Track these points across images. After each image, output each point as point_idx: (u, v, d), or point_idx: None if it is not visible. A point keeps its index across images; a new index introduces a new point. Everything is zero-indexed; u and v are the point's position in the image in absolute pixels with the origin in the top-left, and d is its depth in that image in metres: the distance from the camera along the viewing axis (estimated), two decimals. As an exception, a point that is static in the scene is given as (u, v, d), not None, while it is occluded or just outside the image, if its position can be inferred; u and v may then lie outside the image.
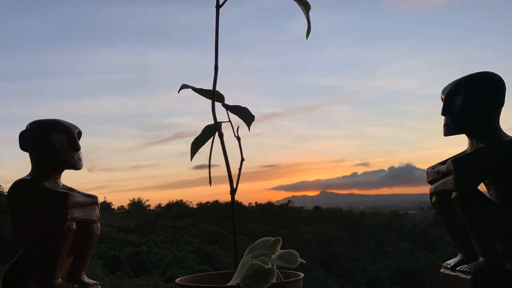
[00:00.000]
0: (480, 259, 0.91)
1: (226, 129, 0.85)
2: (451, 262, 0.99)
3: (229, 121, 0.86)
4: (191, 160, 0.90)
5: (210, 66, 0.86)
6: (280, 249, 0.73)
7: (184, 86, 0.88)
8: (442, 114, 1.00)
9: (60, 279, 1.01)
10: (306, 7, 0.88)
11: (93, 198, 1.05)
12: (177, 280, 0.77)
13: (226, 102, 0.88)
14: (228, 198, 0.83)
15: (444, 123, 1.00)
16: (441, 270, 1.01)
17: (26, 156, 1.06)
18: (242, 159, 0.84)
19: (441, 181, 0.97)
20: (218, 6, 0.86)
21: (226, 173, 0.83)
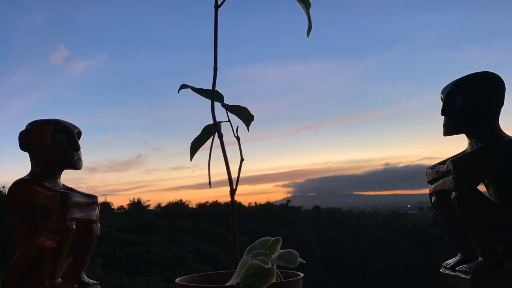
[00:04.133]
0: (480, 259, 0.91)
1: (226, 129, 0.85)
2: (451, 262, 0.99)
3: (229, 121, 0.86)
4: (190, 160, 0.90)
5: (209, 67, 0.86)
6: (280, 249, 0.73)
7: (183, 86, 0.88)
8: (442, 114, 1.00)
9: (60, 279, 1.01)
10: (306, 5, 0.87)
11: (93, 198, 1.05)
12: (177, 280, 0.77)
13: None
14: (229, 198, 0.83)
15: (443, 123, 1.00)
16: (441, 270, 1.01)
17: (26, 156, 1.06)
18: (242, 159, 0.84)
19: (440, 181, 0.97)
20: (216, 6, 0.85)
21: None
